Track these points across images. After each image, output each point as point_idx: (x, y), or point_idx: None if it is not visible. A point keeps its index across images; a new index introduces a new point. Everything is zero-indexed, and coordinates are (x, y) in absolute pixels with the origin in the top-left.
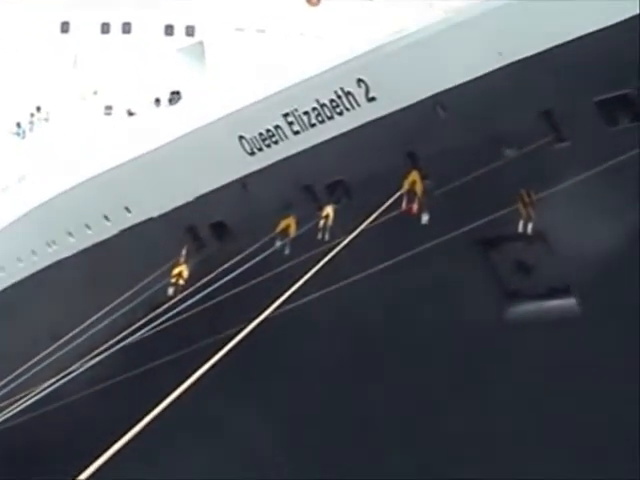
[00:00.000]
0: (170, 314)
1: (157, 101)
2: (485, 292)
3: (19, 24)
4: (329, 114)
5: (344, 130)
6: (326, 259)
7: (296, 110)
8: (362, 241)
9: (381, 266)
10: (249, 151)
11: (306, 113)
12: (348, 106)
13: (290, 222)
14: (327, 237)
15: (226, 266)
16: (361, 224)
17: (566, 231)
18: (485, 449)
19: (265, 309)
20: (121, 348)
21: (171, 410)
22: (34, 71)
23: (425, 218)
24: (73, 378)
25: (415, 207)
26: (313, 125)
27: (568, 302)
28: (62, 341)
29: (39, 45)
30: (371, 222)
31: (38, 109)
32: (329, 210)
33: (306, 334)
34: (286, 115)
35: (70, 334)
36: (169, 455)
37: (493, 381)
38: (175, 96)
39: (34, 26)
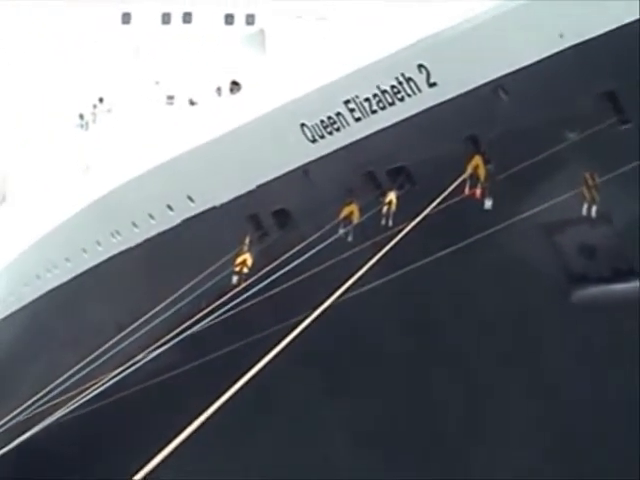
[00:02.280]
0: (234, 302)
1: (218, 90)
2: (549, 276)
3: (81, 16)
4: (390, 100)
5: (405, 116)
6: (390, 245)
7: (357, 97)
8: (425, 226)
9: (444, 252)
10: (311, 138)
11: (367, 99)
12: (409, 92)
13: (353, 209)
14: (390, 223)
15: (289, 254)
16: (424, 210)
17: (630, 213)
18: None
19: (329, 296)
20: (185, 337)
21: (235, 399)
22: (96, 63)
23: (488, 203)
24: (138, 368)
25: (478, 192)
26: (374, 111)
27: (632, 285)
28: (127, 331)
29: (101, 37)
30: (434, 207)
31: (101, 100)
32: (392, 196)
33: (370, 321)
34: (347, 102)
35: (134, 324)
36: (230, 446)
37: (557, 366)
38: (236, 85)
39: (96, 18)
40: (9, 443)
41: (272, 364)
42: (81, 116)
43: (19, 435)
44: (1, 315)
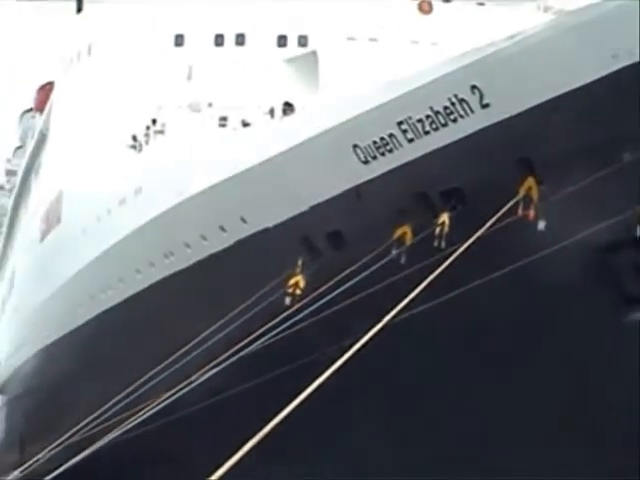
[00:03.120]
0: (287, 324)
1: (271, 112)
2: (603, 298)
3: (134, 38)
4: (443, 121)
5: (458, 137)
6: (443, 266)
7: (410, 118)
8: (478, 248)
9: (498, 273)
10: (363, 160)
11: (420, 121)
12: (462, 113)
13: (406, 230)
14: (443, 245)
15: (342, 275)
16: (477, 231)
17: None
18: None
19: (382, 318)
20: (238, 359)
21: (288, 421)
22: (149, 84)
23: (542, 225)
24: (190, 390)
25: (532, 213)
26: (427, 132)
27: None
28: (180, 353)
29: (154, 58)
30: (487, 229)
31: (154, 122)
32: (445, 217)
33: (423, 342)
34: (400, 123)
35: (187, 346)
36: (288, 465)
37: (610, 387)
38: (289, 107)
39: (149, 40)
40: (63, 464)
41: (324, 386)
42: (134, 137)
43: (73, 456)
44: (55, 336)
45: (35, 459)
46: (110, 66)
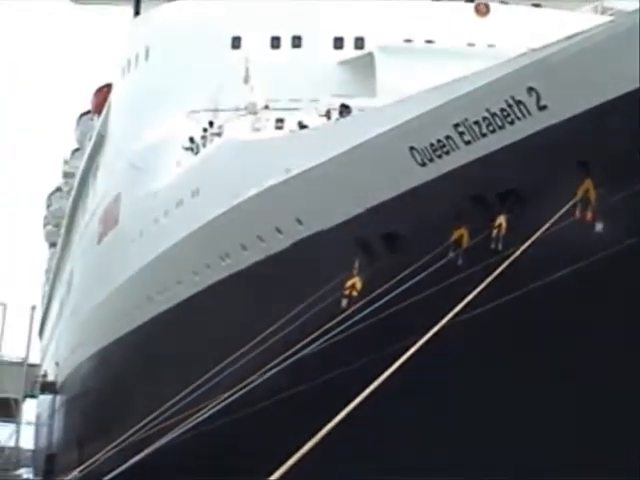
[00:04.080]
0: (344, 326)
1: (328, 114)
2: None
3: (191, 41)
4: (500, 123)
5: (515, 139)
6: (500, 269)
7: (467, 120)
8: (535, 250)
9: (555, 275)
10: (420, 162)
11: (477, 123)
12: (519, 115)
13: (463, 232)
14: (500, 247)
15: (399, 277)
16: (534, 233)
17: None
18: None
19: (439, 320)
20: (296, 361)
21: (345, 425)
22: (206, 87)
23: (599, 226)
24: (248, 391)
25: (589, 215)
26: (484, 135)
27: None
28: (236, 355)
29: (210, 61)
30: (545, 231)
31: (211, 124)
32: (502, 219)
33: (480, 345)
34: (457, 125)
35: (244, 347)
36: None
37: None
38: (345, 109)
39: (205, 42)
40: (122, 464)
41: (381, 388)
42: (191, 139)
43: (132, 456)
44: (113, 338)
45: (94, 459)
46: (167, 69)
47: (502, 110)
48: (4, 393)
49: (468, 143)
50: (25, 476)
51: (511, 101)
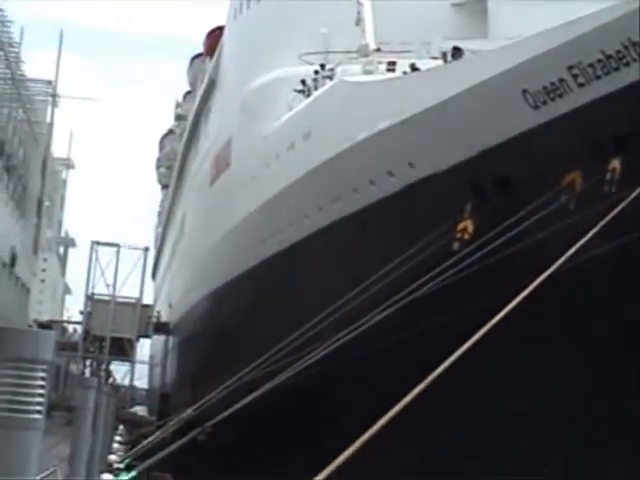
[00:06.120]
0: (456, 269)
1: (441, 56)
2: None
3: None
4: (615, 65)
5: (630, 82)
6: (614, 213)
7: (581, 62)
8: None
9: None
10: (533, 105)
11: (591, 65)
12: (635, 56)
13: (575, 176)
14: (613, 190)
15: (511, 221)
16: None
17: None
18: None
19: (550, 265)
20: (406, 304)
21: (452, 369)
22: (318, 30)
23: None
24: (356, 336)
25: None
26: (598, 77)
27: None
28: (346, 298)
29: (323, 4)
30: None
31: (322, 67)
32: (616, 163)
33: (592, 290)
34: (571, 68)
35: (355, 290)
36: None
37: None
38: (458, 51)
39: None
40: (233, 404)
41: (490, 335)
42: (303, 82)
43: (243, 397)
44: (225, 280)
45: (206, 398)
46: (279, 11)
47: (617, 52)
48: (118, 333)
49: (582, 86)
50: (140, 414)
51: (627, 42)
